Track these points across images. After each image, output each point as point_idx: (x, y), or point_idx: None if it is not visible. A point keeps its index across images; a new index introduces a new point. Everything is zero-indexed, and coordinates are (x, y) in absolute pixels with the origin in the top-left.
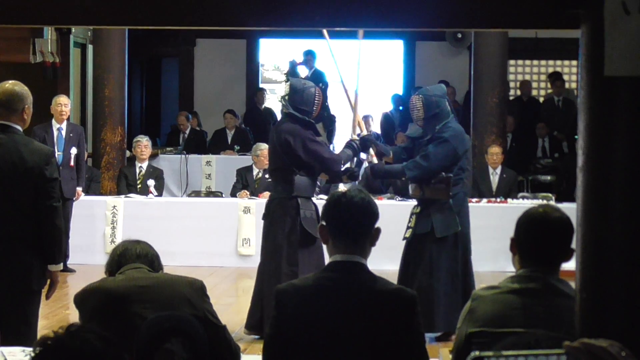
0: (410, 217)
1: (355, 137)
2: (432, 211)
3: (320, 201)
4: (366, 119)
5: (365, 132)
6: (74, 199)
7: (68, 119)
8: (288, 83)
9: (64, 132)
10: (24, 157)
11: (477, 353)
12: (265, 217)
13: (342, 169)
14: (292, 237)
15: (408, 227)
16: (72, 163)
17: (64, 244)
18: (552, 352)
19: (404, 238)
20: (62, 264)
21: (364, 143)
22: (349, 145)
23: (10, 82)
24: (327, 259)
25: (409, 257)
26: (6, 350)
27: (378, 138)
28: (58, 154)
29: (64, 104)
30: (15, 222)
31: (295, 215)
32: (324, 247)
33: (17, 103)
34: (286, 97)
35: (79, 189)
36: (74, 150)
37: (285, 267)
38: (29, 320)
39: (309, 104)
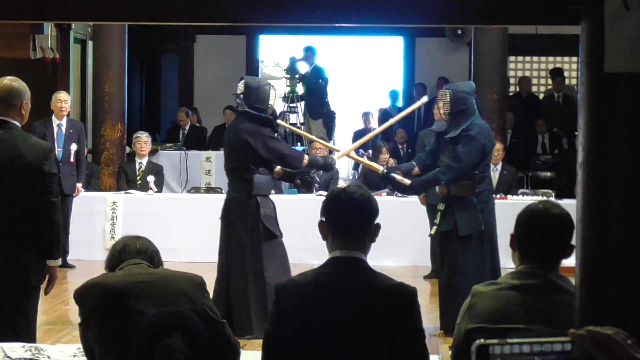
0: (436, 214)
1: (383, 170)
2: (456, 209)
3: (319, 197)
4: (366, 115)
5: (383, 169)
6: (74, 195)
7: (68, 115)
8: (242, 81)
9: (64, 128)
10: (22, 153)
11: (482, 341)
12: (224, 217)
13: (299, 171)
14: (254, 235)
15: (433, 224)
16: (72, 159)
17: (62, 239)
18: (558, 340)
19: (430, 235)
20: (60, 259)
21: (388, 178)
22: (327, 158)
23: (8, 78)
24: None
25: (439, 253)
26: (6, 345)
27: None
28: (58, 150)
29: (63, 100)
30: (13, 218)
31: (256, 214)
32: (317, 244)
33: (14, 99)
34: (241, 96)
35: (79, 185)
36: (73, 147)
37: (250, 266)
38: (28, 315)
39: (264, 101)
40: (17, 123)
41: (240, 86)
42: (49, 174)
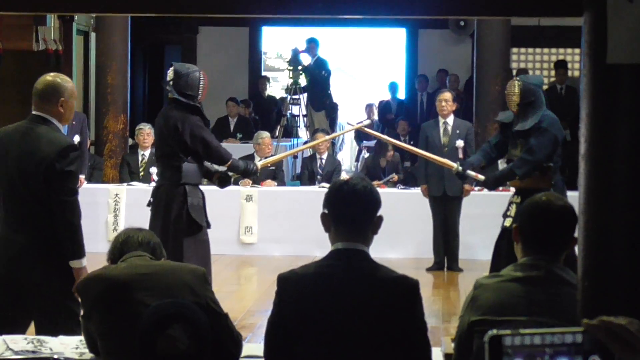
0: (509, 206)
1: (458, 167)
2: None
3: (322, 189)
4: (369, 107)
5: (457, 166)
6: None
7: None
8: (172, 68)
9: None
10: (39, 148)
11: (494, 331)
12: (151, 204)
13: (218, 170)
14: (178, 225)
15: (507, 216)
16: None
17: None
18: (569, 331)
19: (503, 226)
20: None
21: (464, 175)
22: (249, 164)
23: (51, 74)
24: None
25: (502, 246)
26: (8, 338)
27: (378, 126)
28: None
29: None
30: (37, 215)
31: (182, 203)
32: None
33: (52, 95)
34: (170, 83)
35: (82, 176)
36: (76, 138)
37: (169, 256)
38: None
39: (194, 88)
40: (52, 119)
41: (170, 73)
42: (61, 171)
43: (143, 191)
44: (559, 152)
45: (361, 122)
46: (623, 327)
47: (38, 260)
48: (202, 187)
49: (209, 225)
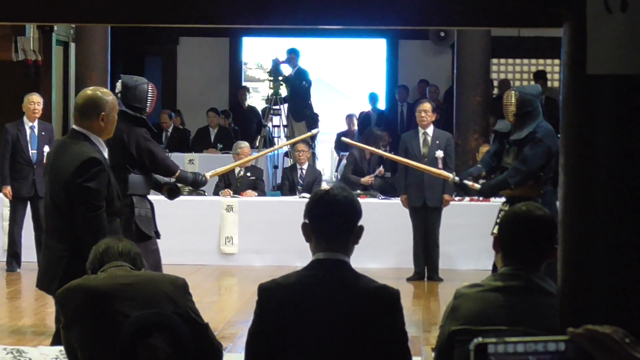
0: (499, 213)
1: (454, 178)
2: None
3: (302, 199)
4: (350, 118)
5: (453, 176)
6: None
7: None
8: (120, 80)
9: (36, 130)
10: (64, 163)
11: (480, 339)
12: None
13: (167, 182)
14: (126, 236)
15: (497, 224)
16: (45, 161)
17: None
18: (553, 339)
19: (492, 233)
20: None
21: (461, 185)
22: (197, 175)
23: (92, 87)
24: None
25: None
26: None
27: (356, 136)
28: (32, 152)
29: (36, 102)
30: (64, 230)
31: (129, 214)
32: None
33: (92, 109)
34: (118, 95)
35: None
36: (46, 149)
37: None
38: None
39: (141, 100)
40: (92, 134)
41: (118, 85)
42: (80, 186)
43: None
44: (551, 164)
45: (312, 131)
46: (608, 335)
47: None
48: (182, 198)
49: (158, 236)
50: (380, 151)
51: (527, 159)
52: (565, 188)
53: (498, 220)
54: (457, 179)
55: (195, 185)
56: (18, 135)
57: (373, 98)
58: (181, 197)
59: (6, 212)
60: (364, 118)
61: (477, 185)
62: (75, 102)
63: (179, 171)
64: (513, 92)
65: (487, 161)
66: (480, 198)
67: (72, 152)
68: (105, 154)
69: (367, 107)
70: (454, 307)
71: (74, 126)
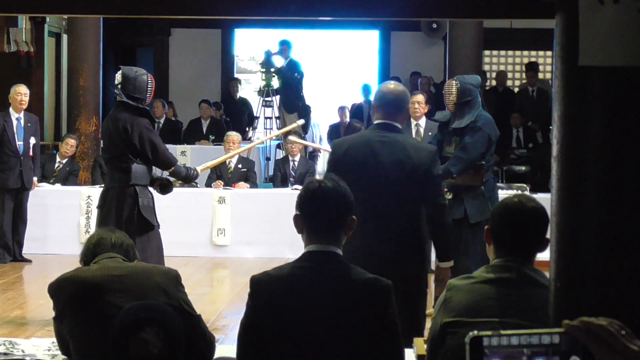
0: None
1: None
2: (465, 198)
3: (294, 191)
4: (342, 110)
5: None
6: (31, 188)
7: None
8: (120, 71)
9: (22, 122)
10: (410, 156)
11: (475, 332)
12: (100, 206)
13: (159, 178)
14: (129, 226)
15: None
16: (31, 153)
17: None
18: (547, 332)
19: None
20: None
21: None
22: (190, 170)
23: (392, 82)
24: (286, 250)
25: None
26: None
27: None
28: (19, 144)
29: (23, 94)
30: (403, 222)
31: (132, 204)
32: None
33: (405, 102)
34: (119, 86)
35: (35, 178)
36: (32, 140)
37: None
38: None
39: (142, 91)
40: (400, 125)
41: (118, 76)
42: (435, 175)
43: None
44: (491, 151)
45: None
46: (603, 327)
47: None
48: (174, 190)
49: (158, 226)
50: (318, 145)
51: (467, 146)
52: (558, 179)
53: None
54: None
55: (187, 180)
56: (5, 127)
57: (366, 89)
58: (175, 189)
59: None
60: (356, 110)
61: None
62: (384, 97)
63: (175, 165)
64: (454, 81)
65: None
66: None
67: (415, 145)
68: None
69: (360, 99)
70: (446, 299)
71: (387, 120)
